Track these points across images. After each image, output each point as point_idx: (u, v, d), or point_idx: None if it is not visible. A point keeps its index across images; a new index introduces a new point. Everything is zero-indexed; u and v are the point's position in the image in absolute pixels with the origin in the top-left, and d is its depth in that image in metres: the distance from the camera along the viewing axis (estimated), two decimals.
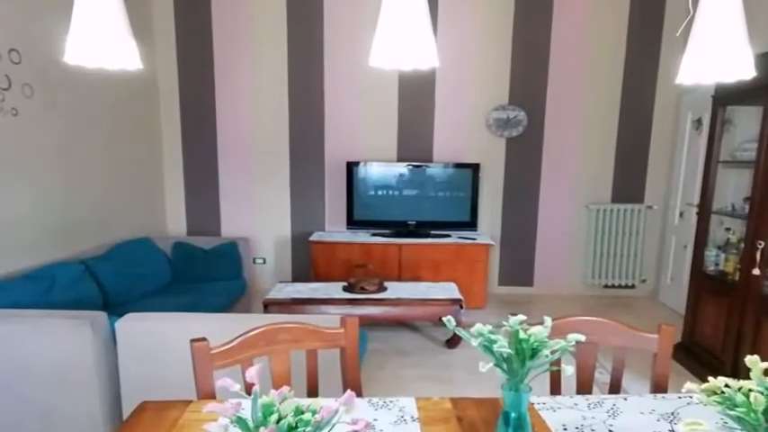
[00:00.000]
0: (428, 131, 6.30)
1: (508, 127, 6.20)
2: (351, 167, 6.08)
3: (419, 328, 5.28)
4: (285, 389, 1.16)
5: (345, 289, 4.94)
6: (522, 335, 1.36)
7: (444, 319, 1.50)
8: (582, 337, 1.40)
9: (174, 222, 6.54)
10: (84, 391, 2.86)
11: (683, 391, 1.31)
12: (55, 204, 4.36)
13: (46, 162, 4.25)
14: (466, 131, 6.26)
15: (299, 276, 6.53)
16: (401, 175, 6.12)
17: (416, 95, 6.21)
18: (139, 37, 1.68)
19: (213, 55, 6.20)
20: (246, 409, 1.12)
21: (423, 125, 6.28)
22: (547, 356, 1.35)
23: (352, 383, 1.98)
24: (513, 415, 1.40)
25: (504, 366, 1.38)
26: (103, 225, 5.02)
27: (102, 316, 2.92)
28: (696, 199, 5.10)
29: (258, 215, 6.51)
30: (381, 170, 6.14)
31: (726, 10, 1.44)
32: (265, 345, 1.89)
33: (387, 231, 6.13)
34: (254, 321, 2.01)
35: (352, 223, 6.19)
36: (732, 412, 1.19)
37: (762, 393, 1.19)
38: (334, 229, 6.44)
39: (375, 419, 1.62)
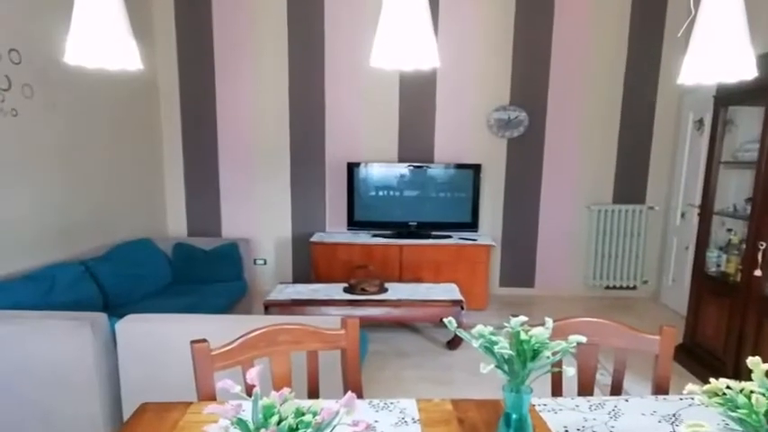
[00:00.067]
0: (429, 132, 6.30)
1: (509, 127, 6.20)
2: (351, 168, 6.08)
3: (420, 330, 5.27)
4: (286, 390, 1.16)
5: (346, 290, 4.94)
6: (523, 336, 1.36)
7: (445, 320, 1.49)
8: (583, 339, 1.40)
9: (174, 223, 6.54)
10: (84, 393, 2.86)
11: (685, 392, 1.31)
12: (55, 205, 4.36)
13: (46, 162, 4.24)
14: (467, 132, 6.26)
15: (299, 277, 6.52)
16: (402, 176, 6.11)
17: (417, 96, 6.21)
18: (140, 37, 1.68)
19: (214, 55, 6.20)
20: (247, 410, 1.12)
21: (424, 126, 6.28)
22: (548, 358, 1.35)
23: (353, 385, 1.97)
24: (514, 416, 1.40)
25: (506, 368, 1.38)
26: (104, 226, 5.02)
27: (102, 317, 2.91)
28: (698, 200, 5.09)
29: (259, 216, 6.50)
30: (382, 171, 6.14)
31: (727, 10, 1.43)
32: (266, 346, 1.89)
33: (387, 232, 6.13)
34: (254, 322, 2.00)
35: (353, 224, 6.18)
36: (734, 414, 1.19)
37: (763, 395, 1.19)
38: (335, 230, 6.44)
39: (376, 421, 1.62)
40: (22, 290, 3.41)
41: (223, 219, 6.53)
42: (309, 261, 6.04)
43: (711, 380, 1.26)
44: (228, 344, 1.83)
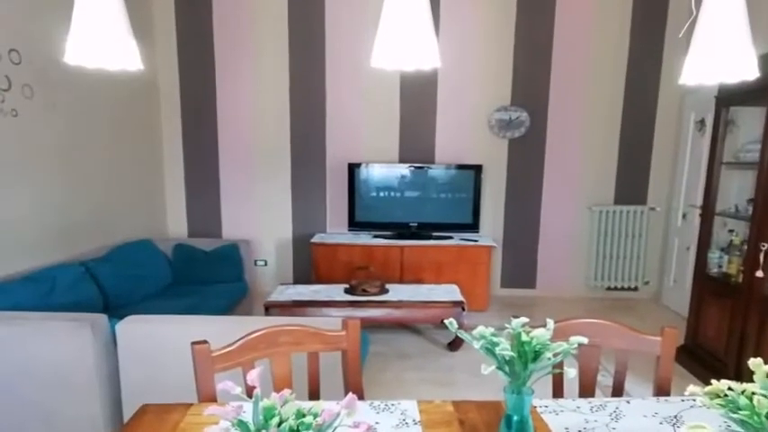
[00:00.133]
0: (430, 132, 6.29)
1: (510, 128, 6.20)
2: (352, 169, 6.08)
3: (421, 331, 5.27)
4: (286, 392, 1.16)
5: (347, 291, 4.94)
6: (524, 337, 1.35)
7: (446, 321, 1.49)
8: (584, 340, 1.39)
9: (174, 224, 6.53)
10: (84, 394, 2.86)
11: (686, 393, 1.31)
12: (55, 205, 4.36)
13: (46, 163, 4.24)
14: (468, 132, 6.26)
15: (300, 278, 6.52)
16: (403, 177, 6.11)
17: (418, 96, 6.21)
18: (140, 37, 1.68)
19: (214, 55, 6.20)
20: (248, 412, 1.12)
21: (425, 126, 6.28)
22: (549, 359, 1.35)
23: (354, 386, 1.97)
24: (515, 418, 1.40)
25: (507, 369, 1.37)
26: (104, 226, 5.02)
27: (102, 318, 2.91)
28: (699, 200, 5.10)
29: (259, 217, 6.50)
30: (383, 171, 6.14)
31: (729, 10, 1.43)
32: (266, 347, 1.89)
33: (388, 233, 6.13)
34: (255, 324, 2.00)
35: (354, 225, 6.18)
36: (735, 415, 1.19)
37: (765, 396, 1.19)
38: (336, 231, 6.44)
39: (377, 423, 1.61)
40: (23, 291, 3.41)
41: (223, 219, 6.53)
42: (310, 262, 6.04)
43: (713, 381, 1.25)
44: (229, 345, 1.83)
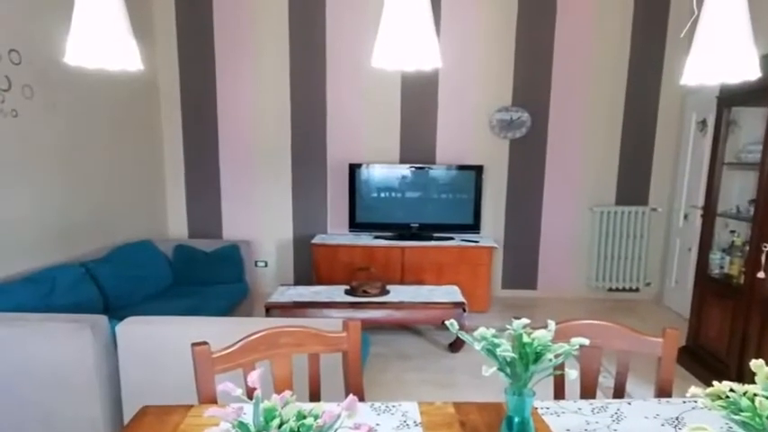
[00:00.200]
0: (431, 133, 6.29)
1: (511, 128, 6.19)
2: (353, 169, 6.07)
3: (422, 332, 5.26)
4: (287, 393, 1.17)
5: (348, 292, 4.94)
6: (525, 339, 1.35)
7: (447, 322, 1.49)
8: (586, 341, 1.39)
9: (175, 225, 6.53)
10: (84, 396, 2.85)
11: (688, 395, 1.30)
12: (55, 206, 4.36)
13: (46, 163, 4.24)
14: (469, 133, 6.25)
15: (300, 279, 6.51)
16: (404, 177, 6.10)
17: (419, 96, 6.20)
18: (140, 37, 1.68)
19: (214, 55, 6.19)
20: (248, 413, 1.12)
21: (425, 126, 6.27)
22: (550, 360, 1.35)
23: (355, 388, 1.97)
24: (516, 420, 1.40)
25: (508, 370, 1.37)
26: (104, 227, 5.02)
27: (102, 319, 2.91)
28: (701, 201, 5.10)
29: (260, 218, 6.50)
30: (384, 172, 6.13)
31: (731, 10, 1.43)
32: (267, 349, 1.88)
33: (389, 234, 6.12)
34: (255, 325, 1.99)
35: (355, 226, 6.17)
36: (737, 417, 1.19)
37: (767, 398, 1.18)
38: (337, 232, 6.43)
39: (377, 424, 1.61)
40: (23, 292, 3.41)
41: (224, 220, 6.53)
42: (311, 263, 6.04)
43: (714, 383, 1.25)
44: (229, 346, 1.83)
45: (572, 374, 1.40)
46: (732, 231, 4.40)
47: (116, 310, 4.02)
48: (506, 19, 6.03)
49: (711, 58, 1.47)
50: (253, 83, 6.22)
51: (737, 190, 4.68)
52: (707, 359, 4.27)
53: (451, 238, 6.01)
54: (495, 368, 1.36)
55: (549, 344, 1.35)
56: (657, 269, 6.44)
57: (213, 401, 1.76)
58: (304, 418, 1.10)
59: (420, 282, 5.67)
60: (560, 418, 1.67)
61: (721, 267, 4.33)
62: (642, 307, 6.20)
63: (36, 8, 4.06)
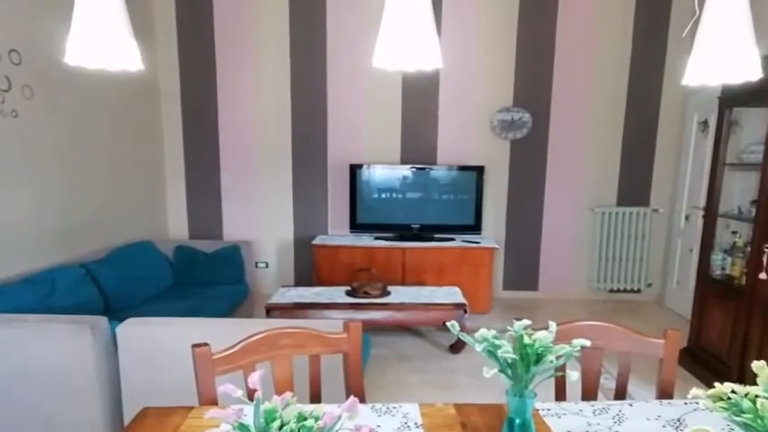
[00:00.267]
0: (432, 133, 6.29)
1: (512, 129, 6.19)
2: (354, 170, 6.07)
3: (423, 333, 5.26)
4: (288, 395, 1.16)
5: (348, 293, 4.93)
6: (526, 340, 1.35)
7: (448, 323, 1.49)
8: (587, 343, 1.39)
9: (175, 225, 6.53)
10: (84, 397, 2.85)
11: (690, 396, 1.30)
12: (55, 207, 4.36)
13: (46, 164, 4.24)
14: (470, 133, 6.25)
15: (301, 280, 6.51)
16: (405, 178, 6.10)
17: (420, 97, 6.20)
18: (140, 37, 1.67)
19: (215, 56, 6.19)
20: (249, 415, 1.12)
21: (426, 127, 6.27)
22: (552, 362, 1.35)
23: (356, 389, 1.96)
24: (517, 421, 1.40)
25: (509, 372, 1.37)
26: (104, 228, 5.02)
27: (102, 321, 2.91)
28: (702, 202, 5.09)
29: (260, 218, 6.50)
30: (385, 173, 6.13)
31: (732, 10, 1.42)
32: (267, 350, 1.88)
33: (390, 235, 6.12)
34: (256, 326, 2.00)
35: (356, 227, 6.17)
36: (738, 418, 1.19)
37: None
38: (337, 233, 6.43)
39: (378, 426, 1.61)
40: (23, 293, 3.41)
41: (224, 221, 6.52)
42: (311, 264, 6.03)
43: (716, 384, 1.25)
44: (230, 348, 1.83)
45: (573, 376, 1.39)
46: (734, 232, 4.40)
47: (116, 311, 4.01)
48: (507, 19, 6.03)
49: (713, 59, 1.47)
50: (253, 83, 6.22)
51: (739, 191, 4.67)
52: (708, 360, 4.26)
53: (452, 239, 6.00)
54: (496, 369, 1.36)
55: (551, 345, 1.35)
56: (659, 270, 6.43)
57: (214, 403, 1.76)
58: (305, 419, 1.10)
59: (421, 283, 5.66)
60: (561, 420, 1.66)
61: (723, 268, 4.32)
62: (643, 308, 6.20)
63: (36, 8, 4.06)
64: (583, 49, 6.06)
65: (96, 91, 4.86)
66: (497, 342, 1.35)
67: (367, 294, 4.84)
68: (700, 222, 5.07)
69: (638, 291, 6.46)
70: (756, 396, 1.19)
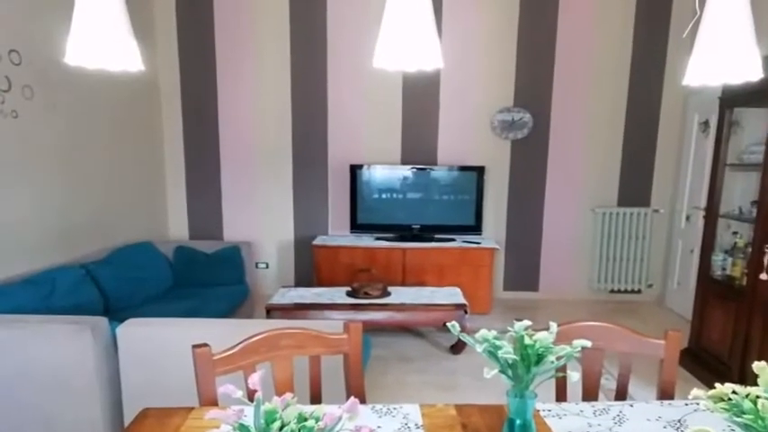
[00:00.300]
0: (432, 133, 6.28)
1: (513, 129, 6.19)
2: (354, 170, 6.07)
3: (423, 334, 5.26)
4: (288, 395, 1.16)
5: (349, 294, 4.93)
6: (527, 340, 1.35)
7: (449, 324, 1.49)
8: (588, 343, 1.39)
9: (175, 226, 6.53)
10: (84, 398, 2.85)
11: (690, 397, 1.30)
12: (55, 207, 4.36)
13: (46, 164, 4.24)
14: (470, 134, 6.25)
15: (301, 281, 6.51)
16: (405, 178, 6.10)
17: (420, 97, 6.20)
18: (141, 37, 1.67)
19: (215, 56, 6.19)
20: (249, 415, 1.12)
21: (427, 127, 6.27)
22: (552, 362, 1.34)
23: (356, 390, 1.96)
24: (518, 422, 1.40)
25: (509, 372, 1.37)
26: (104, 229, 5.01)
27: (103, 321, 2.90)
28: (703, 202, 5.08)
29: (261, 219, 6.49)
30: (385, 173, 6.13)
31: (733, 10, 1.42)
32: (268, 351, 1.88)
33: (391, 235, 6.11)
34: (256, 327, 2.00)
35: (356, 227, 6.17)
36: (739, 419, 1.18)
37: None
38: (338, 233, 6.42)
39: (379, 427, 1.60)
40: (23, 294, 3.40)
41: (225, 222, 6.52)
42: (312, 264, 6.03)
43: (717, 385, 1.24)
44: (230, 348, 1.83)
45: (574, 376, 1.39)
46: (734, 233, 4.39)
47: (116, 311, 4.01)
48: (508, 19, 6.03)
49: (714, 59, 1.47)
50: (254, 83, 6.22)
51: (740, 191, 4.67)
52: (709, 361, 4.26)
53: (453, 240, 6.00)
54: (496, 370, 1.36)
55: (551, 346, 1.34)
56: (659, 271, 6.43)
57: (214, 404, 1.76)
58: (305, 420, 1.10)
59: (421, 283, 5.66)
60: (562, 421, 1.66)
61: (723, 269, 4.32)
62: (644, 309, 6.19)
63: (36, 8, 4.06)
64: (583, 49, 6.05)
65: (96, 91, 4.86)
66: (498, 343, 1.35)
67: (367, 295, 4.84)
68: (700, 223, 5.06)
69: (639, 291, 6.45)
70: (757, 397, 1.19)
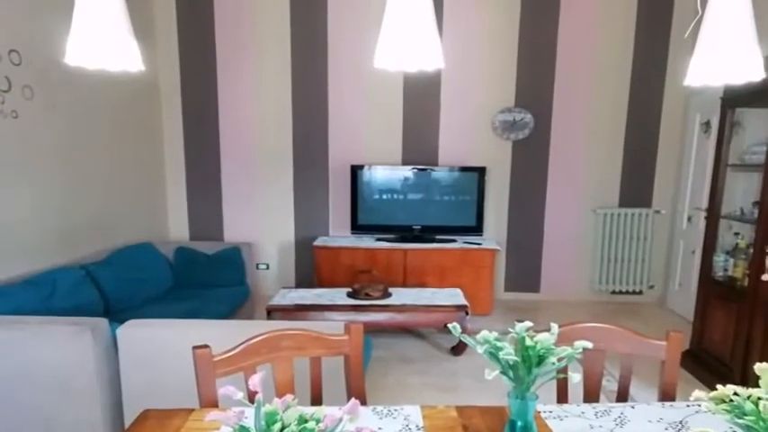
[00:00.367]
0: (433, 134, 6.28)
1: (514, 129, 6.18)
2: (355, 171, 6.07)
3: (424, 335, 5.25)
4: (288, 397, 1.16)
5: (349, 295, 4.92)
6: (528, 342, 1.35)
7: (450, 325, 1.48)
8: (589, 344, 1.39)
9: (176, 227, 6.53)
10: (85, 399, 2.85)
11: (692, 399, 1.29)
12: (55, 208, 4.36)
13: (46, 165, 4.24)
14: (472, 134, 6.24)
15: (302, 282, 6.51)
16: (406, 179, 6.09)
17: (421, 97, 6.20)
18: (141, 38, 1.67)
19: (216, 56, 6.19)
20: (249, 417, 1.11)
21: (428, 127, 6.27)
22: (553, 364, 1.34)
23: (357, 391, 1.96)
24: (519, 423, 1.40)
25: (511, 374, 1.37)
26: (104, 229, 5.01)
27: (103, 322, 2.90)
28: (704, 203, 5.08)
29: (261, 220, 6.49)
30: (386, 173, 6.12)
31: (735, 10, 1.42)
32: (268, 352, 1.87)
33: (391, 236, 6.11)
34: (257, 328, 1.99)
35: (357, 228, 6.17)
36: (741, 421, 1.18)
37: None
38: (339, 234, 6.42)
39: (380, 428, 1.60)
40: (23, 295, 3.40)
41: (225, 222, 6.52)
42: (312, 265, 6.03)
43: (718, 386, 1.24)
44: (231, 350, 1.82)
45: (575, 378, 1.39)
46: (736, 233, 4.38)
47: (117, 312, 4.01)
48: (509, 20, 6.02)
49: (715, 59, 1.46)
50: (254, 84, 6.22)
51: (741, 192, 4.67)
52: (711, 362, 4.25)
53: (454, 241, 6.00)
54: (497, 371, 1.36)
55: (552, 347, 1.34)
56: (661, 272, 6.42)
57: (214, 405, 1.76)
58: (306, 422, 1.09)
59: (422, 284, 5.66)
60: (563, 422, 1.66)
61: (725, 270, 4.31)
62: (645, 310, 6.19)
63: (36, 8, 4.06)
64: (584, 49, 6.05)
65: (96, 91, 4.86)
66: (499, 344, 1.35)
67: (368, 296, 4.83)
68: (702, 224, 5.05)
69: (640, 292, 6.44)
70: (759, 398, 1.18)
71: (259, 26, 6.11)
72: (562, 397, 1.96)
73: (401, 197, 6.11)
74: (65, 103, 4.43)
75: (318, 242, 6.04)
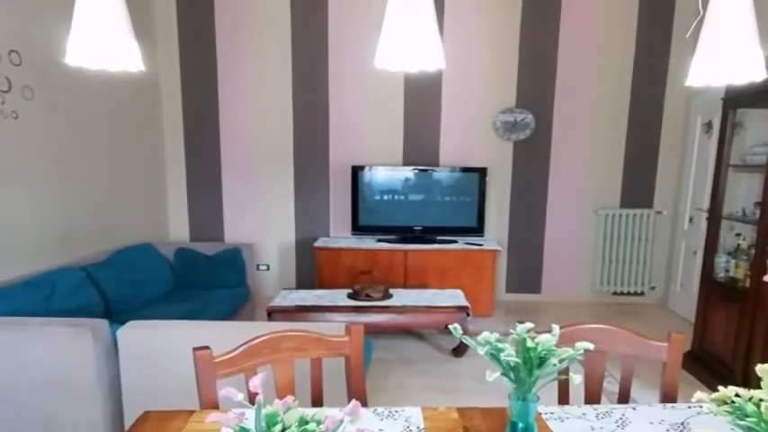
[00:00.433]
0: (434, 135, 6.28)
1: (515, 130, 6.18)
2: (356, 172, 6.06)
3: (425, 337, 5.25)
4: (289, 398, 1.16)
5: (350, 296, 4.92)
6: (529, 343, 1.35)
7: (451, 326, 1.48)
8: (590, 346, 1.39)
9: (176, 228, 6.52)
10: (85, 400, 2.84)
11: (693, 400, 1.29)
12: (55, 209, 4.35)
13: (46, 166, 4.23)
14: (473, 135, 6.24)
15: (303, 283, 6.50)
16: (407, 180, 6.09)
17: (422, 98, 6.19)
18: (141, 38, 1.67)
19: (216, 56, 6.19)
20: (250, 419, 1.11)
21: (429, 128, 6.26)
22: (555, 365, 1.34)
23: (357, 393, 1.95)
24: (520, 425, 1.40)
25: (512, 375, 1.37)
26: (105, 230, 5.01)
27: (103, 324, 2.90)
28: (706, 204, 5.07)
29: (262, 221, 6.49)
30: (387, 174, 6.12)
31: (736, 10, 1.42)
32: (269, 353, 1.87)
33: (392, 237, 6.11)
34: (257, 329, 1.99)
35: (358, 229, 6.16)
36: (742, 422, 1.18)
37: None
38: (339, 235, 6.42)
39: (381, 430, 1.60)
40: (23, 296, 3.39)
41: (226, 223, 6.52)
42: (313, 266, 6.03)
43: (720, 388, 1.24)
44: (231, 351, 1.82)
45: (576, 379, 1.38)
46: (738, 234, 4.38)
47: (117, 314, 4.01)
48: (510, 20, 6.02)
49: (717, 60, 1.46)
50: (254, 83, 6.22)
51: (743, 192, 4.66)
52: (712, 364, 4.24)
53: (455, 241, 5.99)
54: (498, 373, 1.35)
55: (554, 348, 1.34)
56: (662, 273, 6.42)
57: (215, 407, 1.76)
58: (306, 423, 1.09)
59: (423, 285, 5.65)
60: (564, 424, 1.66)
61: (727, 271, 4.30)
62: (647, 311, 6.18)
63: (36, 9, 4.06)
64: (586, 49, 6.05)
65: (97, 92, 4.85)
66: (500, 345, 1.35)
67: (369, 297, 4.83)
68: (703, 225, 5.05)
69: (642, 293, 6.44)
70: (761, 400, 1.18)
71: (259, 26, 6.11)
72: (563, 398, 1.96)
73: (402, 198, 6.11)
74: (65, 104, 4.43)
75: (319, 243, 6.04)
